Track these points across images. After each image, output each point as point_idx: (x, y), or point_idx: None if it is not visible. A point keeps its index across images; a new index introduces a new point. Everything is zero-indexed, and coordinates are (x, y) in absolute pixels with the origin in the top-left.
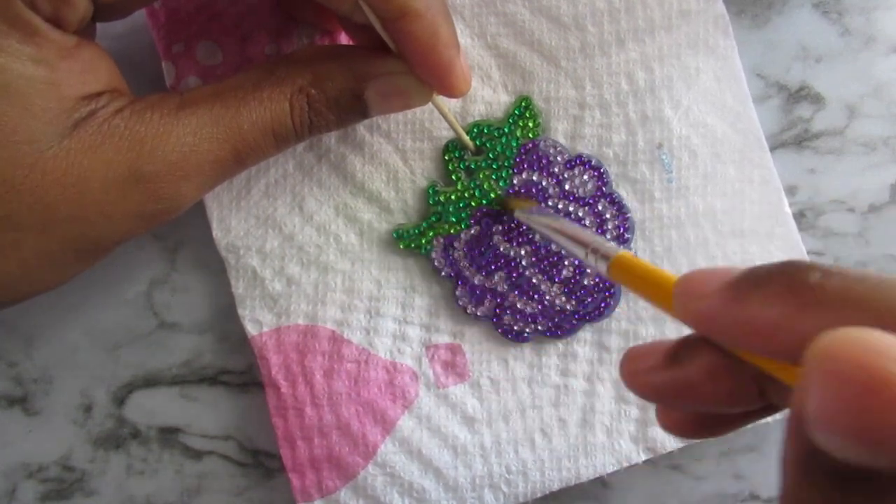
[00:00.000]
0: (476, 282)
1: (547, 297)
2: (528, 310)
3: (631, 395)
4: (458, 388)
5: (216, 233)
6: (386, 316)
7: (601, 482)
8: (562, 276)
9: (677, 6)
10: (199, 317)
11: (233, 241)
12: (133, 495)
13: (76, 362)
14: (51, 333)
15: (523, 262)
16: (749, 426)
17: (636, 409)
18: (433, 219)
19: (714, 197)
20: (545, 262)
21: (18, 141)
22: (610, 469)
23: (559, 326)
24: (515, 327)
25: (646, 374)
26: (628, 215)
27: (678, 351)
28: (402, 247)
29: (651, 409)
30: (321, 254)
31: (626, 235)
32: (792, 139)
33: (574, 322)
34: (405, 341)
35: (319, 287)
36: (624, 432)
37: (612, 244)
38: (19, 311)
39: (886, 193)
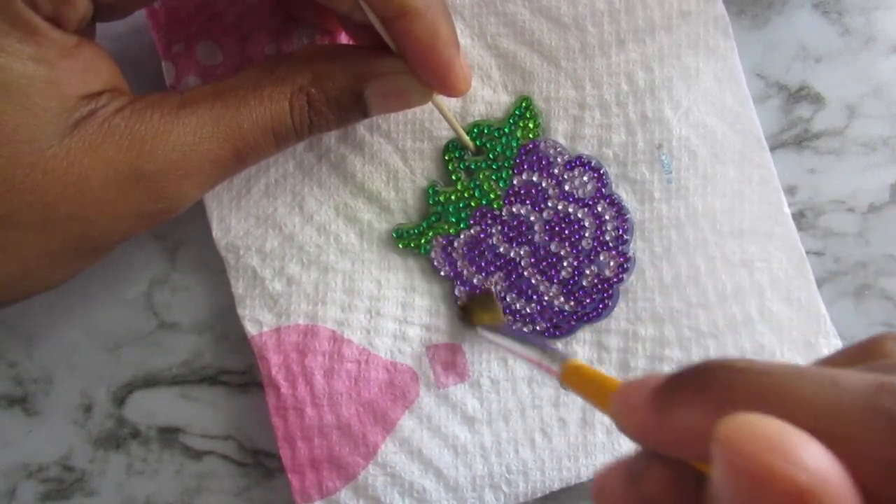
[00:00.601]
0: (475, 282)
1: (546, 298)
2: (527, 310)
3: None
4: (459, 388)
5: (216, 232)
6: (386, 316)
7: None
8: (560, 277)
9: (677, 6)
10: (198, 317)
11: (233, 240)
12: (133, 495)
13: (76, 362)
14: (51, 333)
15: (522, 263)
16: None
17: None
18: (433, 219)
19: (713, 197)
20: (544, 263)
21: (19, 140)
22: None
23: (558, 327)
24: (513, 328)
25: (611, 496)
26: (627, 216)
27: (634, 467)
28: (401, 246)
29: None
30: (321, 254)
31: (626, 237)
32: (792, 139)
33: (573, 323)
34: (405, 341)
35: (319, 287)
36: None
37: (561, 354)
38: (19, 311)
39: (886, 193)
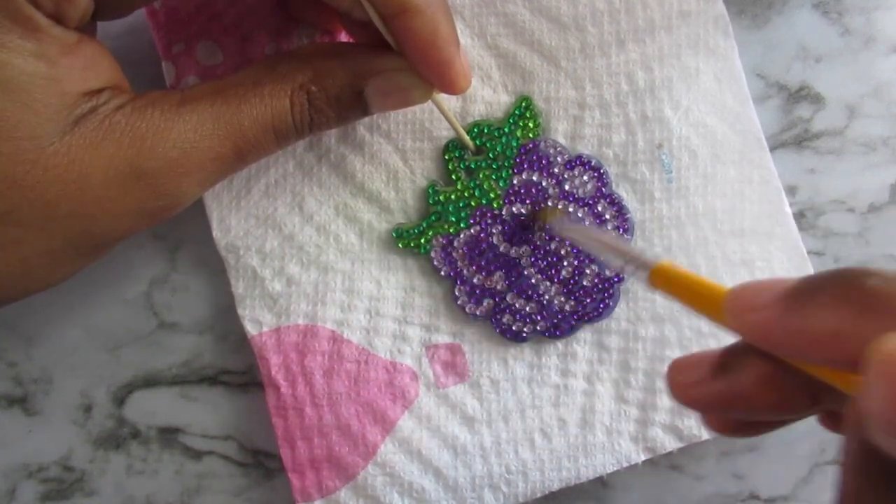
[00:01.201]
0: (475, 281)
1: (546, 297)
2: (527, 309)
3: (630, 395)
4: (458, 388)
5: (216, 232)
6: (386, 316)
7: (601, 482)
8: (561, 277)
9: (677, 6)
10: (198, 317)
11: (232, 240)
12: (133, 495)
13: (76, 362)
14: (51, 333)
15: (522, 262)
16: None
17: (636, 409)
18: (433, 218)
19: (714, 197)
20: (544, 262)
21: (19, 137)
22: (610, 469)
23: (558, 326)
24: (514, 327)
25: (695, 386)
26: (628, 216)
27: (726, 361)
28: (401, 246)
29: (650, 409)
30: (321, 254)
31: (626, 236)
32: (792, 139)
33: (573, 322)
34: (405, 341)
35: (319, 287)
36: (624, 432)
37: (652, 254)
38: (19, 310)
39: (886, 193)
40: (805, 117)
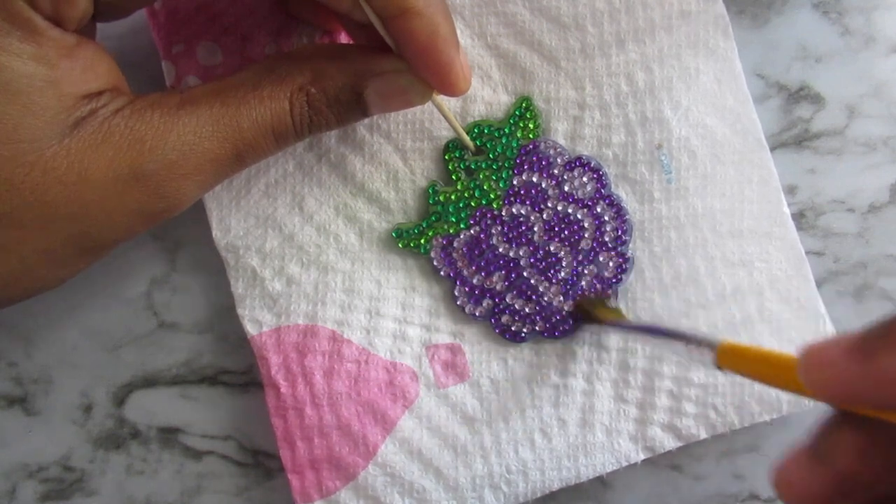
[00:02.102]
0: (475, 282)
1: (545, 298)
2: (527, 310)
3: (630, 395)
4: (459, 388)
5: (216, 232)
6: (386, 316)
7: (601, 482)
8: (560, 277)
9: (677, 6)
10: (198, 317)
11: (232, 240)
12: (133, 495)
13: (76, 362)
14: (51, 333)
15: (522, 263)
16: (747, 425)
17: (635, 409)
18: (433, 218)
19: (713, 197)
20: (543, 263)
21: (19, 139)
22: (609, 468)
23: (556, 327)
24: (513, 327)
25: (802, 486)
26: (627, 217)
27: (820, 446)
28: (401, 246)
29: (649, 409)
30: (321, 254)
31: (625, 238)
32: (792, 139)
33: (571, 323)
34: (405, 341)
35: (319, 287)
36: (623, 432)
37: (710, 335)
38: (19, 311)
39: (886, 193)
40: (805, 117)
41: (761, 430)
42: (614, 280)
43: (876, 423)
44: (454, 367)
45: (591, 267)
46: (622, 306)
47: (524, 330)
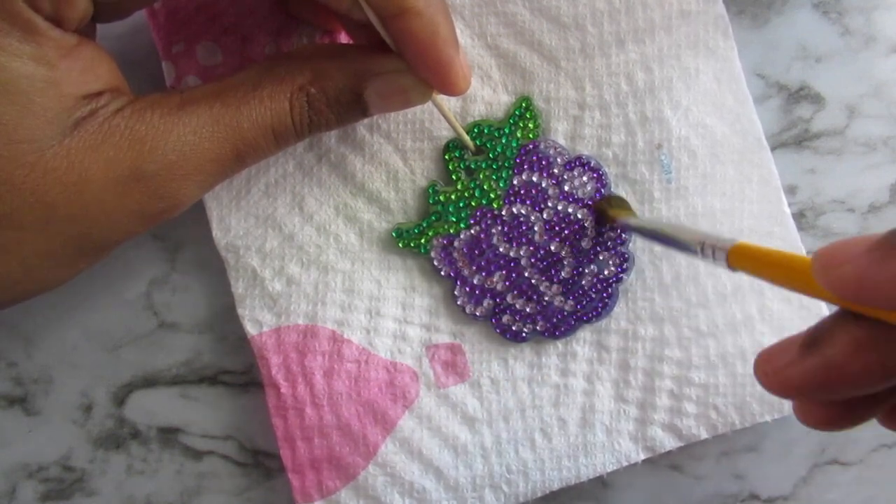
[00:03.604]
0: (475, 281)
1: (546, 298)
2: (527, 310)
3: (630, 395)
4: (459, 388)
5: (216, 232)
6: (386, 316)
7: (601, 482)
8: (560, 277)
9: (677, 6)
10: (198, 317)
11: (232, 240)
12: (133, 495)
13: (76, 362)
14: (51, 333)
15: (522, 263)
16: (748, 425)
17: (635, 409)
18: (433, 218)
19: (713, 197)
20: (544, 263)
21: (19, 140)
22: (609, 468)
23: (557, 327)
24: (514, 327)
25: (784, 369)
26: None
27: (815, 336)
28: (401, 246)
29: (650, 409)
30: (321, 254)
31: (624, 236)
32: (792, 139)
33: (572, 323)
34: (405, 341)
35: (319, 287)
36: (623, 431)
37: (725, 236)
38: (19, 311)
39: (886, 193)
40: (805, 117)
41: (761, 430)
42: (615, 279)
43: (879, 322)
44: (454, 366)
45: (591, 266)
46: (623, 306)
47: (525, 330)
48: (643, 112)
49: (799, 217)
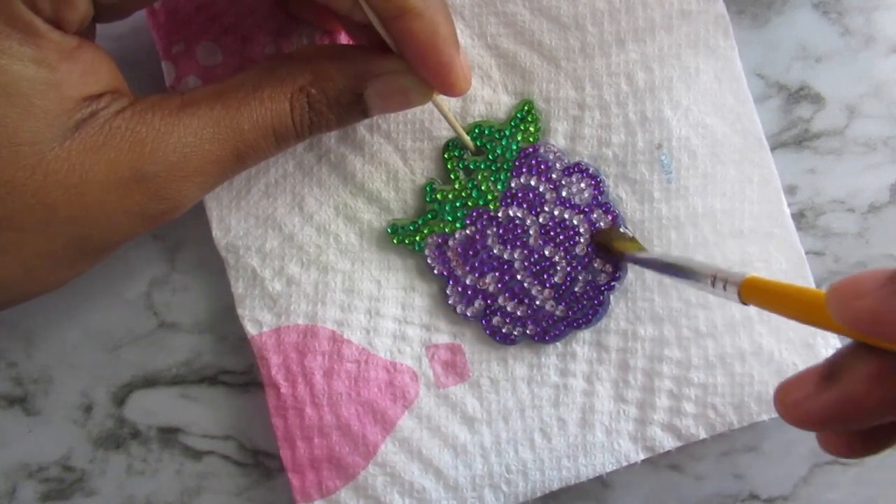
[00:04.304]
0: (468, 282)
1: (537, 302)
2: (518, 313)
3: (630, 395)
4: (458, 388)
5: (216, 233)
6: (386, 316)
7: (601, 482)
8: (553, 282)
9: (678, 6)
10: (198, 317)
11: (232, 240)
12: (133, 495)
13: (76, 362)
14: (51, 333)
15: (516, 266)
16: (746, 424)
17: (635, 409)
18: (429, 216)
19: (713, 197)
20: (537, 267)
21: (20, 142)
22: (609, 468)
23: (547, 331)
24: (504, 329)
25: (803, 402)
26: (622, 224)
27: (833, 368)
28: (395, 242)
29: (649, 409)
30: (321, 254)
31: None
32: (792, 139)
33: (562, 328)
34: (405, 341)
35: (319, 287)
36: (623, 432)
37: (736, 270)
38: (19, 311)
39: (886, 193)
40: (805, 117)
41: (761, 430)
42: (607, 287)
43: (894, 355)
44: (454, 366)
45: (584, 273)
46: (623, 306)
47: (515, 332)
48: (643, 112)
49: (799, 217)
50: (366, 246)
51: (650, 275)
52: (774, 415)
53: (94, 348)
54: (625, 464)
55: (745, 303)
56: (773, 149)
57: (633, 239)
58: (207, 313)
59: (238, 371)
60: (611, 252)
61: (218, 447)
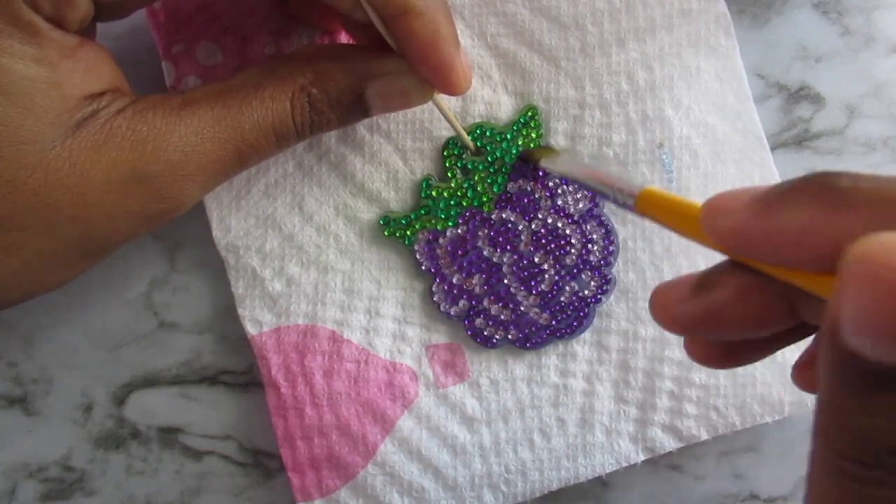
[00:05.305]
0: (454, 281)
1: (522, 307)
2: (501, 317)
3: (630, 395)
4: (458, 388)
5: (216, 233)
6: (386, 316)
7: (600, 482)
8: (539, 289)
9: (678, 5)
10: (199, 317)
11: (233, 241)
12: (133, 495)
13: (76, 362)
14: (51, 333)
15: (504, 270)
16: (748, 426)
17: (635, 409)
18: (422, 211)
19: None
20: (525, 273)
21: (21, 141)
22: (609, 469)
23: (528, 338)
24: (486, 332)
25: (675, 305)
26: (614, 239)
27: (706, 280)
28: (386, 234)
29: (650, 410)
30: (321, 254)
31: (610, 259)
32: (792, 139)
33: (544, 336)
34: (405, 341)
35: (319, 287)
36: (623, 432)
37: (639, 181)
38: (19, 311)
39: None
40: (805, 117)
41: (761, 431)
42: (593, 300)
43: (762, 273)
44: (454, 366)
45: (572, 283)
46: (623, 306)
47: (496, 336)
48: (644, 111)
49: None
50: (366, 246)
51: (651, 275)
52: (777, 416)
53: (94, 348)
54: (625, 464)
55: (641, 214)
56: (773, 149)
57: (549, 148)
58: (207, 313)
59: (238, 371)
60: (534, 165)
61: (218, 447)
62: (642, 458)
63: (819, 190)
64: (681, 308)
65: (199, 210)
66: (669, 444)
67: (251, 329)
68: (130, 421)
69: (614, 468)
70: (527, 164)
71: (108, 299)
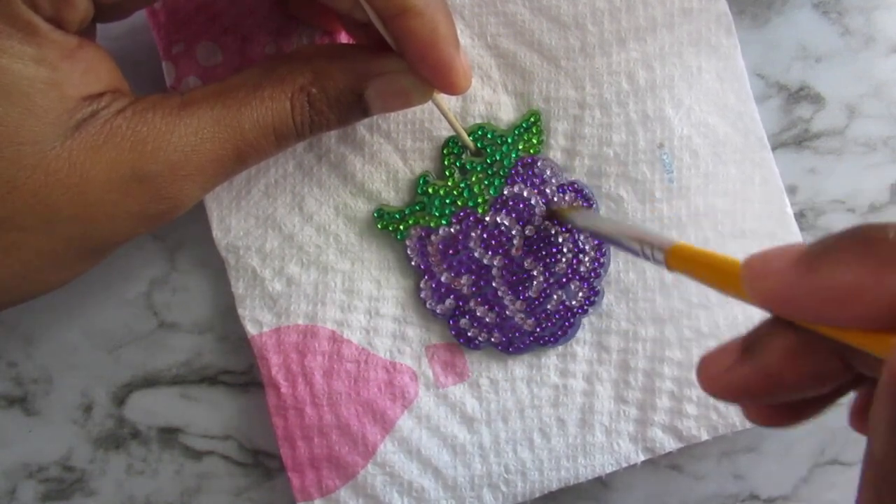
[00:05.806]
0: (443, 279)
1: (507, 311)
2: (487, 319)
3: (630, 395)
4: (458, 388)
5: (216, 233)
6: (386, 316)
7: (600, 482)
8: (527, 295)
9: (679, 4)
10: (199, 317)
11: (233, 241)
12: (133, 495)
13: (76, 362)
14: (51, 333)
15: (493, 272)
16: (749, 426)
17: (635, 410)
18: (416, 207)
19: (715, 197)
20: (514, 277)
21: (21, 142)
22: (609, 469)
23: (512, 343)
24: (470, 333)
25: (723, 375)
26: (605, 251)
27: (751, 343)
28: (379, 227)
29: (650, 410)
30: (321, 254)
31: (600, 271)
32: (792, 139)
33: (528, 342)
34: (405, 341)
35: (319, 287)
36: (623, 432)
37: (667, 235)
38: (19, 311)
39: (886, 193)
40: (805, 117)
41: (761, 431)
42: (580, 310)
43: (809, 331)
44: (453, 366)
45: (560, 292)
46: (624, 307)
47: (480, 338)
48: (644, 111)
49: (799, 217)
50: (366, 246)
51: (651, 275)
52: None
53: (94, 348)
54: (624, 465)
55: (671, 270)
56: (773, 149)
57: (579, 208)
58: (207, 313)
59: (238, 371)
60: (558, 219)
61: (218, 447)
62: (642, 458)
63: (864, 245)
64: (731, 376)
65: (199, 210)
66: (669, 444)
67: (251, 329)
68: (130, 421)
69: (614, 468)
70: (552, 221)
71: (108, 299)
